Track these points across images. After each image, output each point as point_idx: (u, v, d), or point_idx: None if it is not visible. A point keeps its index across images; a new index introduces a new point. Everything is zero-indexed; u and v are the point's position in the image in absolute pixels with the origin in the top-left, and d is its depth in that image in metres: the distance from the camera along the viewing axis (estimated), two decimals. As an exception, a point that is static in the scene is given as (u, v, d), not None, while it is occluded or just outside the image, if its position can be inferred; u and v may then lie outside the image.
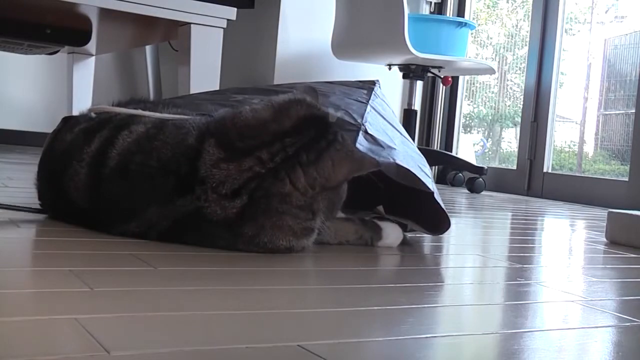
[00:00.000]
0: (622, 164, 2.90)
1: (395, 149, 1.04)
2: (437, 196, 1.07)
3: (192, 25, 1.76)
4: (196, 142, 0.88)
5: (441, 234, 1.17)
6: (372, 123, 1.07)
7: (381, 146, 1.02)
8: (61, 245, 0.82)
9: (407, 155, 1.06)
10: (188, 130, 0.90)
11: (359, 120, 1.05)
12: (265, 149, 0.86)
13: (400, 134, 1.15)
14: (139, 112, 0.99)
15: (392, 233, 1.06)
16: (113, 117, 0.99)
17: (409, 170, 1.00)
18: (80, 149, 0.94)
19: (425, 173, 1.06)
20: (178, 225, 0.87)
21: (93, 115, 1.02)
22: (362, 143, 1.00)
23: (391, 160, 0.99)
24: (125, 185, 0.89)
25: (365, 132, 1.03)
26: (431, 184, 1.05)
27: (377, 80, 1.24)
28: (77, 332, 0.49)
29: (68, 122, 1.05)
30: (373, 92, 1.18)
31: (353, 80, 1.27)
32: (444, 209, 1.08)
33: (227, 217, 0.85)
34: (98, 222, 0.92)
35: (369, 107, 1.11)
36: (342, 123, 1.01)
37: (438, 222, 1.12)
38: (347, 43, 2.86)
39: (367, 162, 0.94)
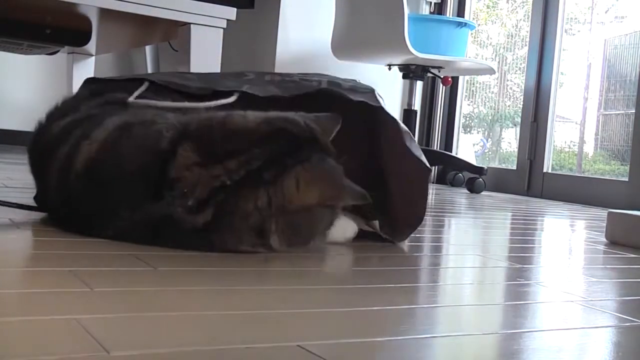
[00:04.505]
0: (622, 164, 2.90)
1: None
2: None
3: (192, 25, 1.76)
4: (169, 146, 0.83)
5: (408, 231, 1.07)
6: None
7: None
8: (61, 245, 0.82)
9: None
10: (159, 133, 0.84)
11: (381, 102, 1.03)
12: (236, 158, 0.81)
13: None
14: (185, 104, 0.95)
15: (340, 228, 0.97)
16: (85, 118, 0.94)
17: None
18: (57, 146, 0.92)
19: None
20: (152, 230, 0.83)
21: (132, 101, 0.98)
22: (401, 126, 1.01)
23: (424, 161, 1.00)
24: (92, 193, 0.86)
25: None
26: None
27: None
28: (77, 332, 0.49)
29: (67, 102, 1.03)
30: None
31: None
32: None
33: (195, 227, 0.81)
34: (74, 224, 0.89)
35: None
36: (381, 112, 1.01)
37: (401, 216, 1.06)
38: (347, 43, 2.86)
39: (349, 191, 0.86)
